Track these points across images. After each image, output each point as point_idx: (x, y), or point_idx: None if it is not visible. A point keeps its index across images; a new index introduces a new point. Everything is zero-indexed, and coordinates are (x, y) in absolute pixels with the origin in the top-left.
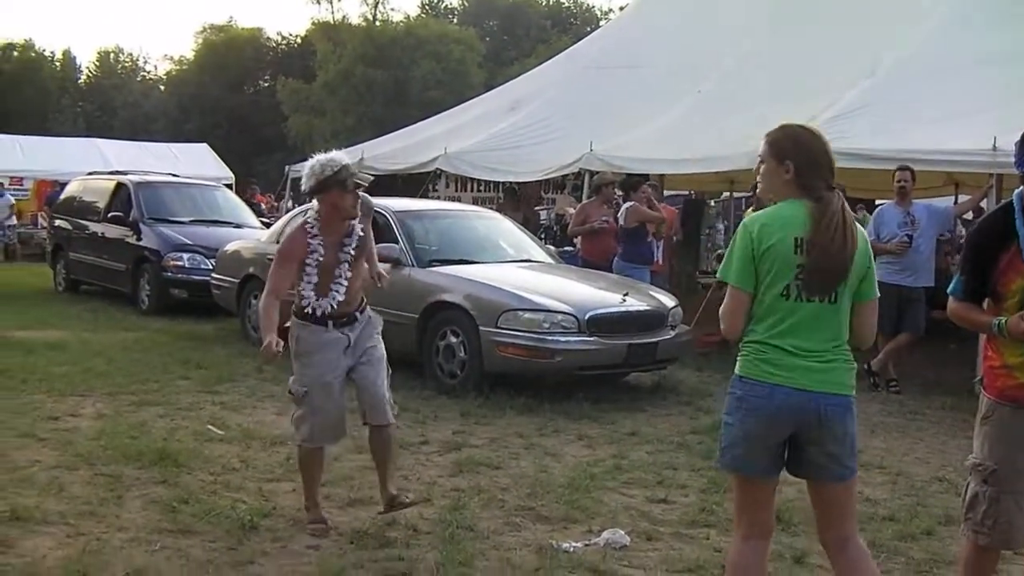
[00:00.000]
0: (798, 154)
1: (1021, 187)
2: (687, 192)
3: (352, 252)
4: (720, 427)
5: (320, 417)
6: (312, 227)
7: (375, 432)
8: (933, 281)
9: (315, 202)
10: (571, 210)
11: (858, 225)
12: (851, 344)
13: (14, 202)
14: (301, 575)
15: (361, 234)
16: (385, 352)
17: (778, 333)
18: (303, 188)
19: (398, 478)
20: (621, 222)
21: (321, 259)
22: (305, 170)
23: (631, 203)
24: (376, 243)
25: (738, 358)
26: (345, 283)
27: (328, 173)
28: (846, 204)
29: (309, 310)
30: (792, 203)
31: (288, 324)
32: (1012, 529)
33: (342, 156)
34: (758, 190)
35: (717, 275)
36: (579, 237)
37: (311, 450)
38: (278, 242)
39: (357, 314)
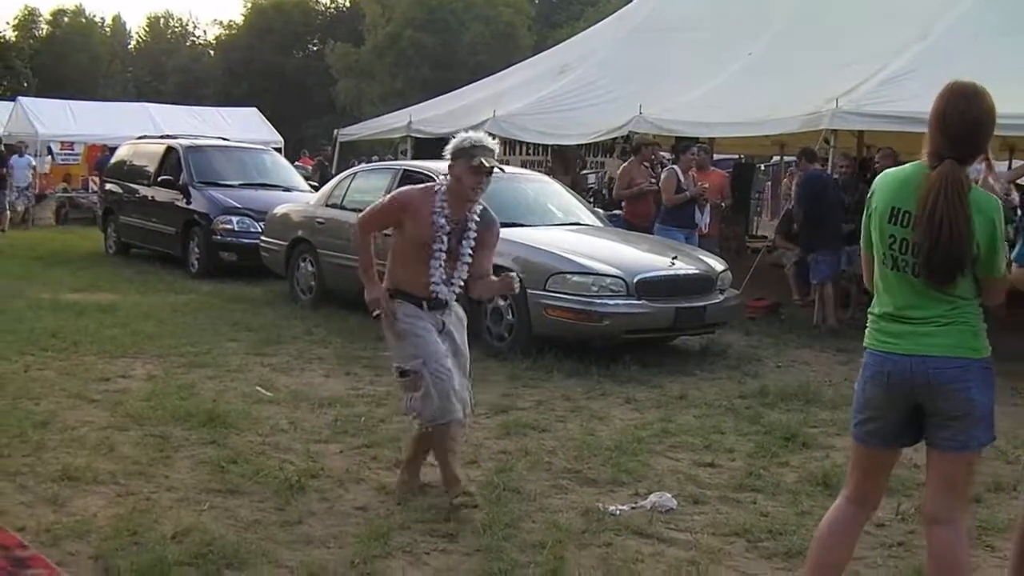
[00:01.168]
0: (933, 111)
1: None
2: (737, 156)
3: (473, 241)
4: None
5: (443, 386)
6: (440, 193)
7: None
8: None
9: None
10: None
11: (981, 195)
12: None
13: (35, 164)
14: (348, 536)
15: (476, 225)
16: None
17: (887, 301)
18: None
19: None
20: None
21: (447, 236)
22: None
23: (669, 167)
24: None
25: None
26: (466, 272)
27: (463, 145)
28: (960, 179)
29: (423, 292)
30: (916, 166)
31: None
32: None
33: (484, 137)
34: None
35: None
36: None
37: (442, 427)
38: (327, 205)
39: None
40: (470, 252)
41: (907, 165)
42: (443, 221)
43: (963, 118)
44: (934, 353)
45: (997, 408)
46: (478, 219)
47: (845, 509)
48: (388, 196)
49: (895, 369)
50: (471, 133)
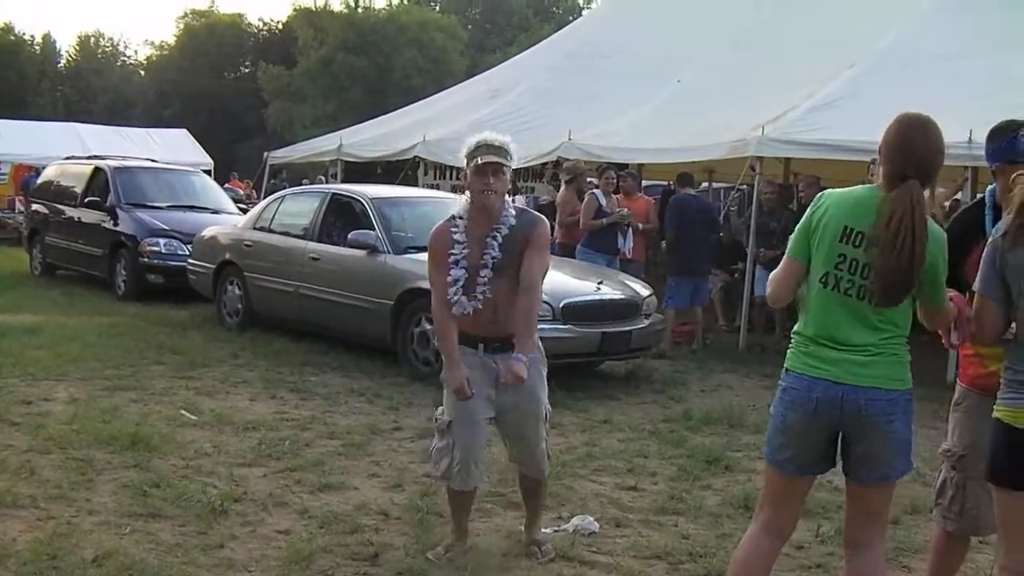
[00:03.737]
0: (896, 136)
1: (994, 184)
2: (666, 183)
3: (495, 253)
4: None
5: (461, 453)
6: (458, 217)
7: (526, 479)
8: None
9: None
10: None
11: (933, 225)
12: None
13: None
14: (271, 559)
15: (507, 232)
16: (546, 398)
17: (819, 323)
18: None
19: (540, 523)
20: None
21: (466, 250)
22: None
23: (590, 191)
24: (352, 229)
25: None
26: (487, 287)
27: (467, 150)
28: (923, 200)
29: (473, 328)
30: (870, 188)
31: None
32: (979, 515)
33: (490, 134)
34: None
35: None
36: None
37: (454, 492)
38: (255, 228)
39: (514, 341)
40: (492, 257)
41: (859, 186)
42: (460, 237)
43: (928, 145)
44: (867, 384)
45: (919, 431)
46: (513, 223)
47: (760, 540)
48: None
49: (824, 396)
50: (479, 134)
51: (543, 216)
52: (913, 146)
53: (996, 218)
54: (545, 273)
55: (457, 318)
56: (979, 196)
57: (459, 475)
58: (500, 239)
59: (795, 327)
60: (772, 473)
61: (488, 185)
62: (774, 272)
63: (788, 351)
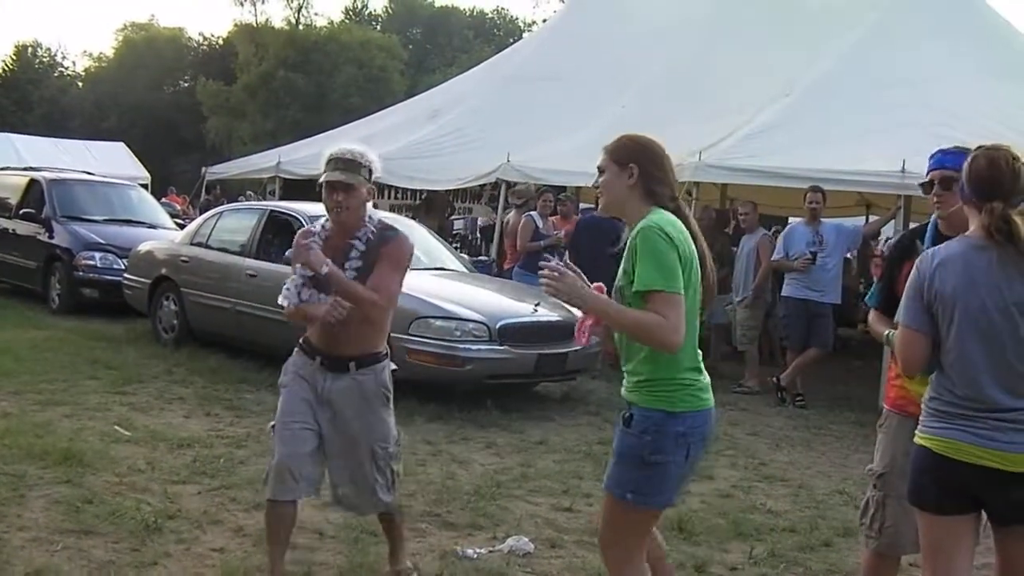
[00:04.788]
0: (642, 157)
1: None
2: None
3: (357, 264)
4: None
5: (276, 459)
6: (322, 229)
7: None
8: (840, 299)
9: None
10: (482, 220)
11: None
12: None
13: None
14: None
15: (364, 248)
16: (387, 435)
17: (693, 353)
18: None
19: (402, 554)
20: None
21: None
22: None
23: (527, 214)
24: (290, 247)
25: None
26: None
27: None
28: None
29: (317, 339)
30: (658, 211)
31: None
32: (898, 534)
33: (344, 148)
34: (600, 206)
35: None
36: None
37: (269, 504)
38: (192, 243)
39: (352, 364)
40: (354, 268)
41: (656, 210)
42: (314, 240)
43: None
44: None
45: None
46: (372, 237)
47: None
48: None
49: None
50: (334, 147)
51: (400, 231)
52: (668, 163)
53: (935, 240)
54: (395, 291)
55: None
56: (926, 221)
57: (272, 481)
58: (358, 252)
59: (680, 365)
60: (655, 515)
61: (338, 203)
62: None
63: (678, 392)
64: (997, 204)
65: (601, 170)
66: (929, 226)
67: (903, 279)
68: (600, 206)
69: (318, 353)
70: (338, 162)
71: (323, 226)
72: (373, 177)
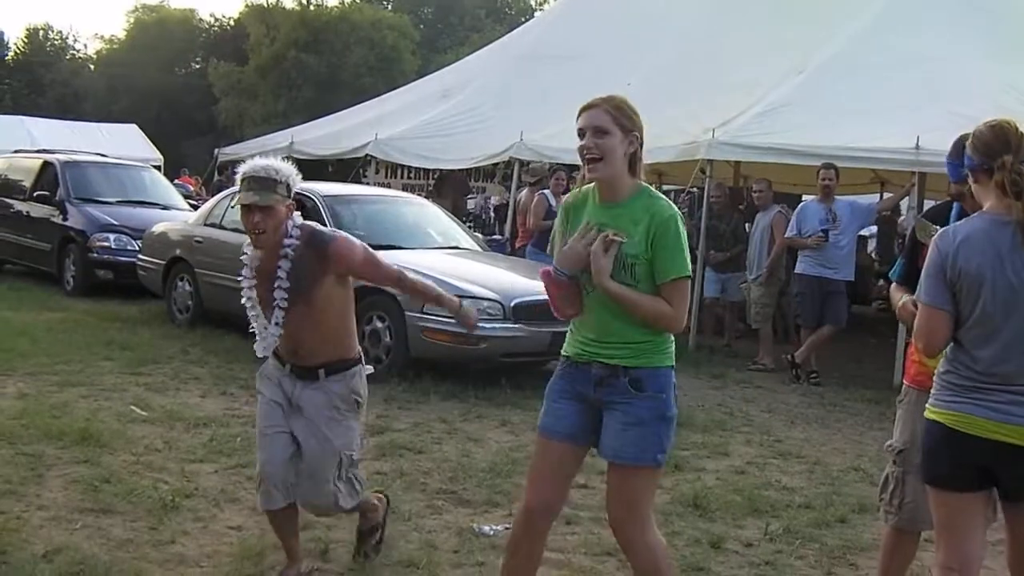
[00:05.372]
0: (641, 125)
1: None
2: None
3: (285, 284)
4: None
5: (259, 469)
6: (250, 257)
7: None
8: (854, 276)
9: None
10: (495, 198)
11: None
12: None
13: None
14: (222, 555)
15: (290, 266)
16: (349, 442)
17: None
18: None
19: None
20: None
21: (252, 289)
22: None
23: (540, 191)
24: None
25: None
26: (278, 328)
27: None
28: None
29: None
30: (651, 189)
31: None
32: (917, 509)
33: (257, 164)
34: (594, 173)
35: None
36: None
37: (266, 513)
38: (205, 224)
39: (320, 372)
40: (284, 297)
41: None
42: (247, 272)
43: None
44: None
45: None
46: (296, 252)
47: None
48: None
49: None
50: (247, 164)
51: (335, 234)
52: None
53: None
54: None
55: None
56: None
57: (259, 493)
58: (285, 272)
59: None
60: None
61: (255, 225)
62: None
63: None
64: (1008, 157)
65: (601, 131)
66: (955, 210)
67: (925, 254)
68: (593, 174)
69: (287, 363)
70: (251, 181)
71: (248, 253)
72: (293, 192)
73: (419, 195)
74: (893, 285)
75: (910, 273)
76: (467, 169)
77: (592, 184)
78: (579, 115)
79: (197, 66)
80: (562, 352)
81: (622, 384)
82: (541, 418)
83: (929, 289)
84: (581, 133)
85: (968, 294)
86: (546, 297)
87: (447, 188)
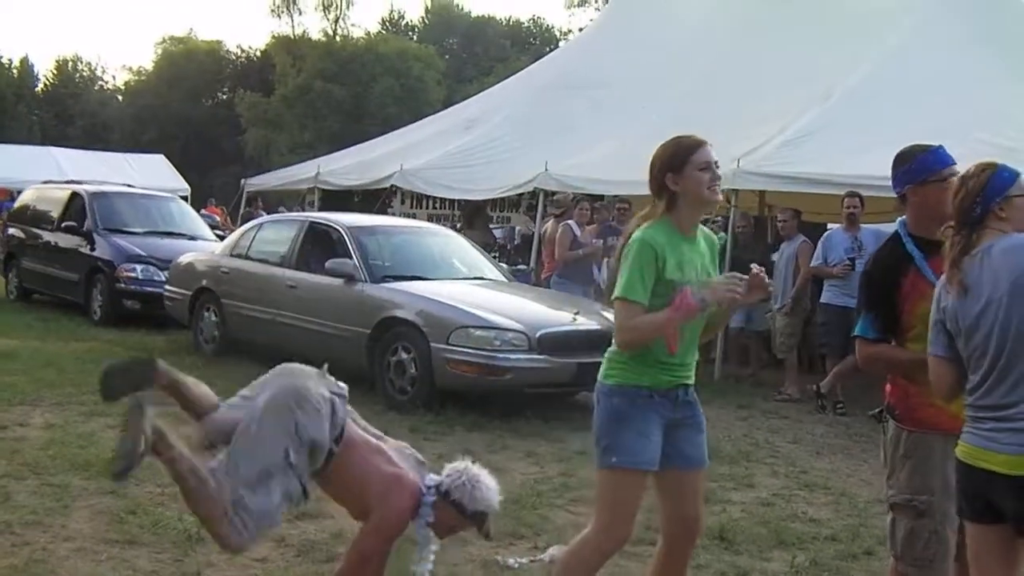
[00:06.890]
0: None
1: (904, 216)
2: None
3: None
4: None
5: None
6: None
7: None
8: None
9: None
10: (520, 228)
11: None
12: None
13: None
14: None
15: None
16: None
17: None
18: None
19: None
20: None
21: None
22: None
23: (565, 222)
24: (330, 257)
25: None
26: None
27: None
28: None
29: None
30: None
31: None
32: (949, 556)
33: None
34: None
35: None
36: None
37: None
38: (232, 255)
39: None
40: None
41: None
42: None
43: None
44: None
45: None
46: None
47: None
48: None
49: None
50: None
51: None
52: None
53: (916, 245)
54: None
55: None
56: (891, 231)
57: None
58: None
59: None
60: None
61: None
62: None
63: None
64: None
65: (717, 165)
66: (900, 234)
67: (904, 296)
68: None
69: None
70: None
71: None
72: None
73: (446, 226)
74: (867, 347)
75: (886, 326)
76: (492, 200)
77: (659, 218)
78: (700, 148)
79: (224, 96)
80: (640, 385)
81: (693, 399)
82: (640, 454)
83: (932, 339)
84: (710, 165)
85: (959, 337)
86: (571, 328)
87: (479, 220)
